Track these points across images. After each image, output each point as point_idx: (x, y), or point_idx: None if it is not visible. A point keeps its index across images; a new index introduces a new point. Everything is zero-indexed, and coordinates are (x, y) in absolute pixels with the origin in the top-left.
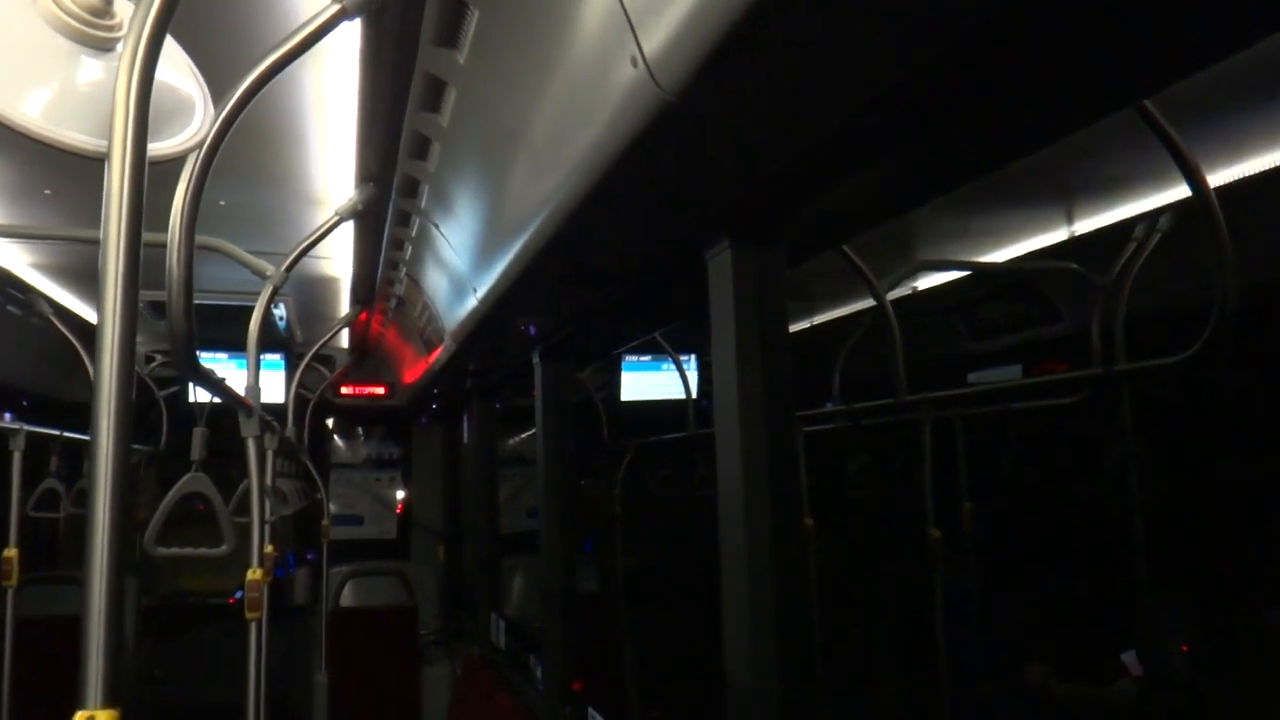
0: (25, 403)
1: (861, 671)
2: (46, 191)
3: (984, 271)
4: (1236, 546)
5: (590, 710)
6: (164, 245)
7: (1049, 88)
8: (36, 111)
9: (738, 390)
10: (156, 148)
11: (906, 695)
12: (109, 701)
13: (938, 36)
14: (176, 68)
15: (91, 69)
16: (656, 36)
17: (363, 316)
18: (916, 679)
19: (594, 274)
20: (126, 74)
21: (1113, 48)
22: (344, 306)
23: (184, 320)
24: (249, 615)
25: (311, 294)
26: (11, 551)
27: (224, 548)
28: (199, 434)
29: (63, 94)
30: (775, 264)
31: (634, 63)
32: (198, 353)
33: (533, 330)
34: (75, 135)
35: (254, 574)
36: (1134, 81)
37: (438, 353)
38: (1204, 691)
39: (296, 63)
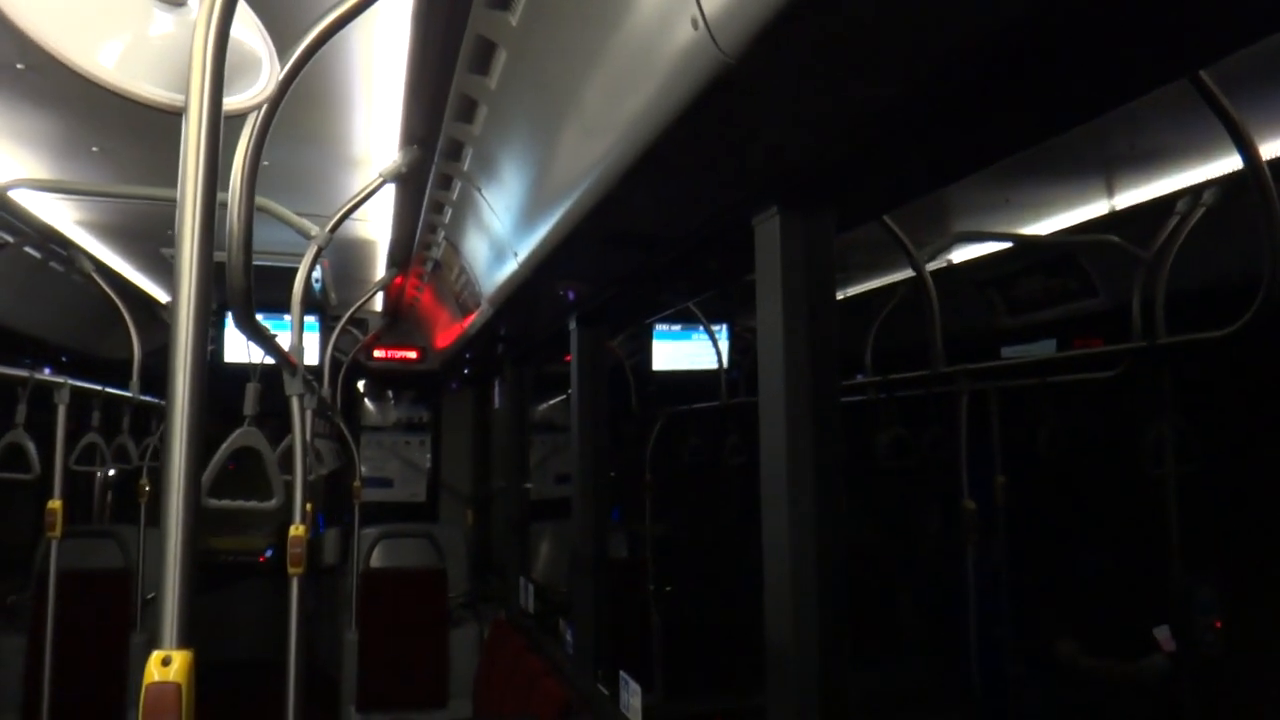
0: (65, 359)
1: (891, 643)
2: (94, 149)
3: (1022, 243)
4: (1269, 525)
5: (622, 673)
6: (221, 204)
7: (1108, 58)
8: (111, 64)
9: (784, 358)
10: (228, 103)
11: (935, 667)
12: (184, 642)
13: (998, 5)
14: (244, 24)
15: (164, 23)
16: None
17: (398, 280)
18: (946, 651)
19: (638, 239)
20: (204, 28)
21: (1170, 17)
22: (379, 269)
23: (243, 277)
24: (291, 570)
25: (347, 256)
26: (56, 503)
27: (274, 501)
28: (252, 389)
29: (136, 47)
30: (824, 232)
31: (694, 24)
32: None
33: (571, 296)
34: (152, 89)
35: (296, 530)
36: (1190, 52)
37: (472, 317)
38: (1236, 668)
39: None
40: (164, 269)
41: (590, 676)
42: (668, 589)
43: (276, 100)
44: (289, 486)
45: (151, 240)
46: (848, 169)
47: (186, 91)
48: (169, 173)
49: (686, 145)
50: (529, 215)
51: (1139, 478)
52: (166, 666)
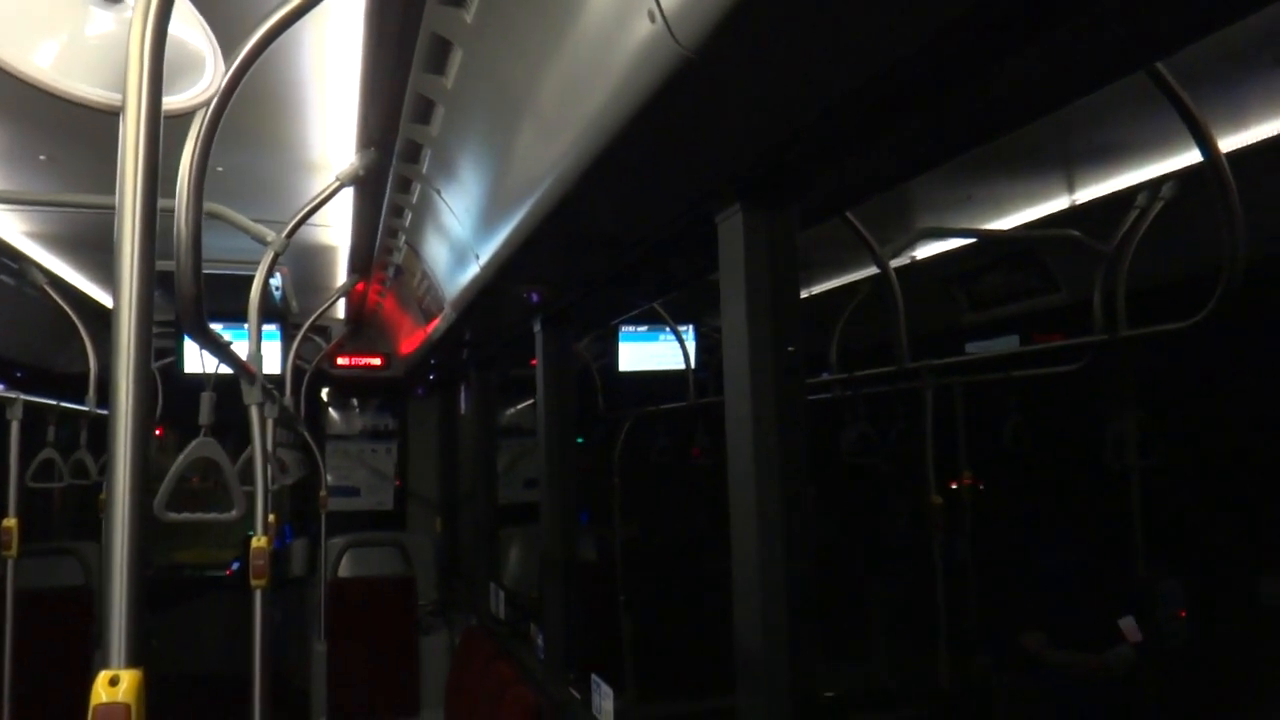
0: (19, 374)
1: (860, 639)
2: (42, 157)
3: (986, 239)
4: (1230, 516)
5: (594, 677)
6: (169, 210)
7: (1069, 50)
8: (47, 64)
9: (748, 355)
10: (169, 102)
11: (904, 661)
12: (132, 661)
13: None
14: (185, 21)
15: (101, 21)
16: None
17: (360, 286)
18: (914, 645)
19: (601, 239)
20: (140, 26)
21: (1129, 9)
22: (341, 276)
23: (193, 283)
24: (254, 583)
25: (308, 263)
26: (11, 521)
27: (234, 512)
28: (207, 398)
29: (72, 46)
30: (786, 227)
31: (651, 17)
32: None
33: (535, 298)
34: (89, 89)
35: (259, 542)
36: (1148, 44)
37: (436, 322)
38: (1200, 658)
39: (297, 23)
40: None
41: (562, 681)
42: (637, 591)
43: (223, 100)
44: (250, 497)
45: (105, 251)
46: (810, 164)
47: (124, 91)
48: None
49: (647, 142)
50: (489, 217)
51: (1103, 471)
52: (114, 686)
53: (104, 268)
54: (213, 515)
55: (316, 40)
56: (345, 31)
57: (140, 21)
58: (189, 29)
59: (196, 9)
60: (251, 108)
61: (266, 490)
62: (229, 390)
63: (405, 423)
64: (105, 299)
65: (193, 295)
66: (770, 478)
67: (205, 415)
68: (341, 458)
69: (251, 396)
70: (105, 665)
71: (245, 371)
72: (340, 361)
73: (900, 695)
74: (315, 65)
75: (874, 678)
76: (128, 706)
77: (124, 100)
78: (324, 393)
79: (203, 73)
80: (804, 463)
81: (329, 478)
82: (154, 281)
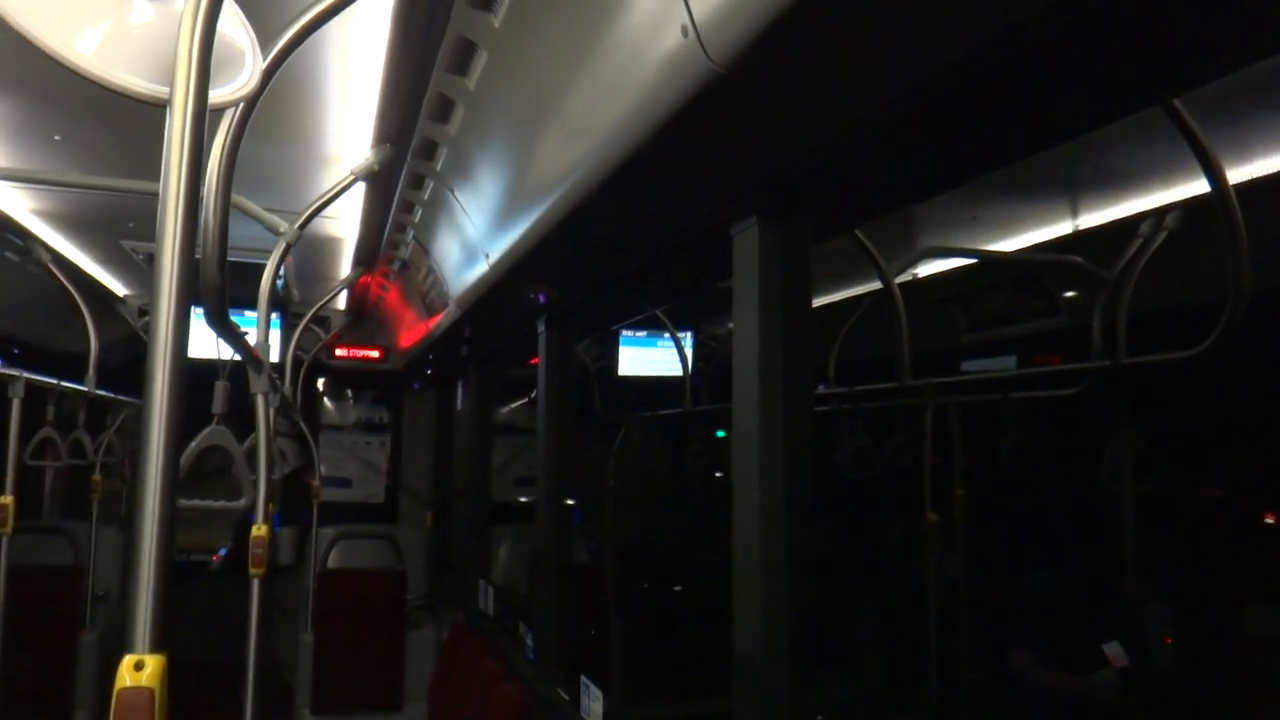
0: (17, 351)
1: (851, 653)
2: (56, 137)
3: (989, 260)
4: (1220, 544)
5: (583, 678)
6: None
7: (1086, 82)
8: (90, 52)
9: (759, 367)
10: (212, 96)
11: (891, 678)
12: (157, 646)
13: (981, 24)
14: (227, 15)
15: (143, 11)
16: (709, 5)
17: (363, 279)
18: (902, 663)
19: (614, 245)
20: (190, 21)
21: (1148, 45)
22: (344, 267)
23: (217, 274)
24: (252, 571)
25: (312, 253)
26: (7, 499)
27: (243, 500)
28: (221, 387)
29: (115, 36)
30: (801, 242)
31: (684, 32)
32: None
33: (542, 299)
34: (134, 80)
35: (259, 530)
36: (1168, 79)
37: (439, 318)
38: (1186, 683)
39: None
40: (123, 261)
41: (550, 681)
42: (628, 593)
43: (258, 95)
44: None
45: (111, 232)
46: (827, 180)
47: (171, 84)
48: (132, 162)
49: (669, 153)
50: (503, 218)
51: (1096, 493)
52: (139, 671)
53: (108, 249)
54: (222, 503)
55: (341, 36)
56: (370, 29)
57: (190, 17)
58: (230, 24)
59: (237, 4)
60: (272, 100)
61: (269, 479)
62: (230, 378)
63: (400, 416)
64: (107, 279)
65: (216, 285)
66: (775, 488)
67: (219, 404)
68: (335, 449)
69: (258, 385)
70: (130, 650)
71: (254, 360)
72: (339, 352)
73: (889, 707)
74: (337, 61)
75: (863, 689)
76: (152, 691)
77: (171, 93)
78: (320, 383)
79: (241, 67)
80: (809, 473)
81: (322, 468)
82: (194, 270)
